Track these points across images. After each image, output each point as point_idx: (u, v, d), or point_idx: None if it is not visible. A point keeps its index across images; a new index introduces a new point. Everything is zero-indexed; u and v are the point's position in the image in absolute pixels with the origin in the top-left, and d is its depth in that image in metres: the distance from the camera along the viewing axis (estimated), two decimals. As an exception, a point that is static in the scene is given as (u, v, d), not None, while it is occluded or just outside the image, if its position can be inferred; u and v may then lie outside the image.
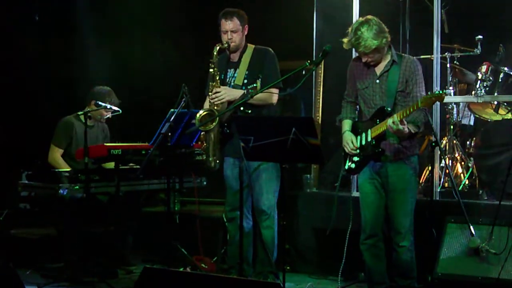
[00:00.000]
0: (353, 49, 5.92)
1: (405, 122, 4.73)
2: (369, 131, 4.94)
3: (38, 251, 6.40)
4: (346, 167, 5.08)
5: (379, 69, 4.98)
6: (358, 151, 4.97)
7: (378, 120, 4.89)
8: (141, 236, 6.51)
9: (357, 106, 5.20)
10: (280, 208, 5.44)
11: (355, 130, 5.09)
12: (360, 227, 5.16)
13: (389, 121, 4.72)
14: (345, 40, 4.93)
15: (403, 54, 5.06)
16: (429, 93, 4.72)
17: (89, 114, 5.88)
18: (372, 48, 4.80)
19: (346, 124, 5.14)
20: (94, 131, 6.33)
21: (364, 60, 4.93)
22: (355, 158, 5.01)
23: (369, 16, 4.86)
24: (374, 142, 4.91)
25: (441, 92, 4.60)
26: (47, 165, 6.26)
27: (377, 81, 4.97)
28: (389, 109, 4.87)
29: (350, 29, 4.88)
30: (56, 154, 6.26)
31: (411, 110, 4.69)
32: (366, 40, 4.77)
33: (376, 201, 5.05)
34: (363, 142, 4.97)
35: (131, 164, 6.12)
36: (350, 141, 5.00)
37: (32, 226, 6.83)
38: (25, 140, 7.24)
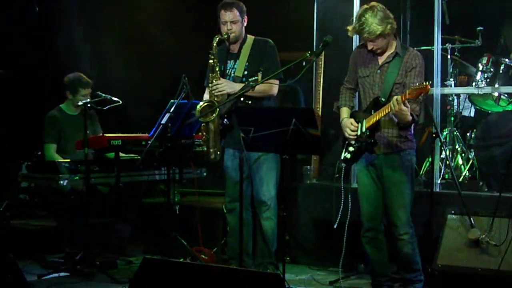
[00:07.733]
0: (354, 40, 5.96)
1: (409, 106, 4.63)
2: (364, 121, 4.89)
3: (38, 241, 6.40)
4: (342, 157, 5.03)
5: (381, 59, 4.94)
6: (358, 134, 4.89)
7: (372, 111, 4.85)
8: (141, 227, 6.51)
9: (356, 94, 5.16)
10: (280, 200, 5.43)
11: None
12: (360, 218, 5.16)
13: (393, 98, 4.62)
14: (349, 27, 4.90)
15: (408, 47, 5.01)
16: (417, 84, 4.66)
17: (88, 104, 5.87)
18: (376, 33, 4.74)
19: (345, 112, 5.10)
20: (79, 119, 6.24)
21: (370, 47, 4.87)
22: (350, 148, 4.96)
23: (373, 3, 4.81)
24: (368, 133, 4.86)
25: (425, 83, 4.53)
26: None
27: (378, 71, 4.94)
28: (383, 99, 4.83)
29: (355, 16, 4.85)
30: (52, 151, 6.19)
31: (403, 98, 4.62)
32: (370, 25, 4.72)
33: (373, 193, 5.03)
34: (359, 133, 4.91)
35: (132, 155, 6.10)
36: (350, 124, 4.93)
37: (32, 217, 6.83)
38: (25, 131, 7.23)
